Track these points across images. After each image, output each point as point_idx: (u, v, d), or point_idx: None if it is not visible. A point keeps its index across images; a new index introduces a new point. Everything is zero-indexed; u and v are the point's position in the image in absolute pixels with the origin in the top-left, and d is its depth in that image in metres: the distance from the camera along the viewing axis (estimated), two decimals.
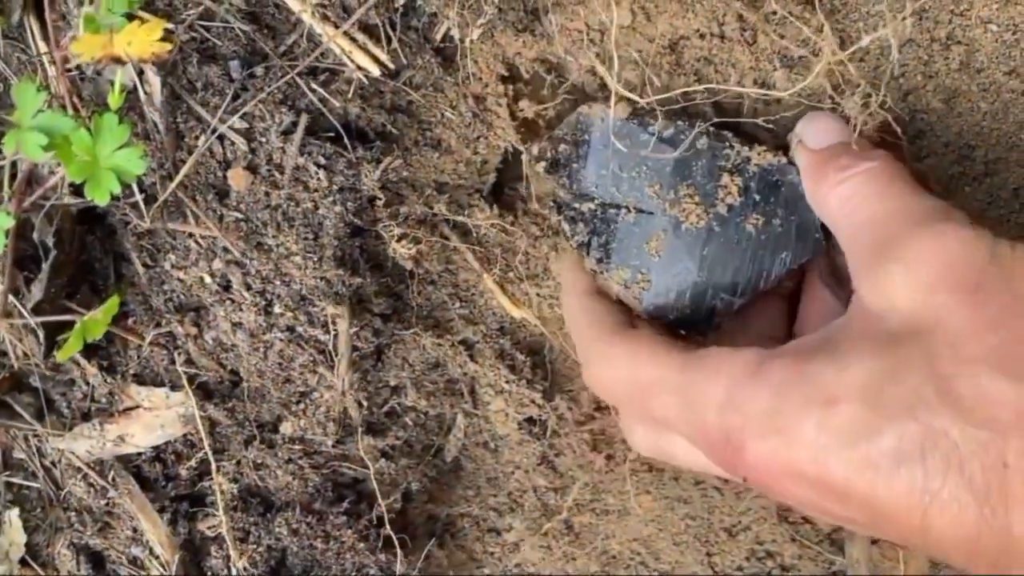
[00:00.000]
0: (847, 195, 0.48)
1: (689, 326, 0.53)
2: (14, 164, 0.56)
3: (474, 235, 0.68)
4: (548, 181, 0.55)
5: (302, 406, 0.64)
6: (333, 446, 0.66)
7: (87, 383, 0.63)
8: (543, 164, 0.55)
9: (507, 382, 0.67)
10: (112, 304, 0.52)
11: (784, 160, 0.52)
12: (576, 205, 0.54)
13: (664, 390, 0.47)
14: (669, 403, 0.47)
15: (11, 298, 0.58)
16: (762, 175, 0.52)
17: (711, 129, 0.52)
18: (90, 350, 0.62)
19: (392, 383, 0.67)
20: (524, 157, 0.57)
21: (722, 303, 0.53)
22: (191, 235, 0.58)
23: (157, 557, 0.64)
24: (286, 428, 0.65)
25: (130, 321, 0.62)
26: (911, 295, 0.42)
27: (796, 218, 0.52)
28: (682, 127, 0.52)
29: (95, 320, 0.51)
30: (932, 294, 0.41)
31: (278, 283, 0.58)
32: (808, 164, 0.51)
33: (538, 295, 0.73)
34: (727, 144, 0.52)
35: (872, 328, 0.42)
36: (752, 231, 0.52)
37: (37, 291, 0.54)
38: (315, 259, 0.57)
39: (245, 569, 0.64)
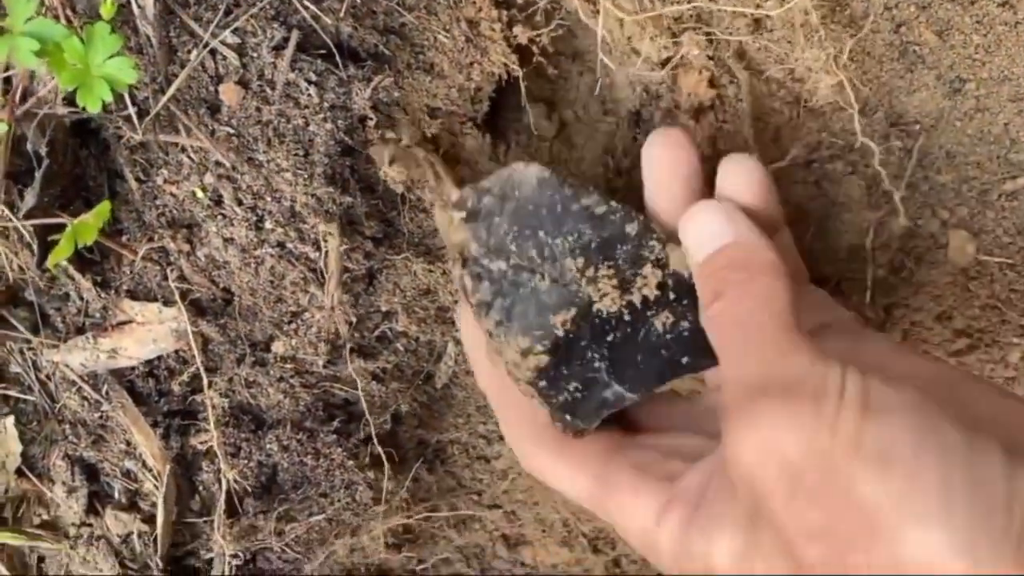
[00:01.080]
0: (718, 323, 0.45)
1: (573, 412, 0.49)
2: (8, 73, 0.56)
3: (466, 163, 0.68)
4: (462, 231, 0.50)
5: (293, 326, 0.65)
6: (324, 367, 0.67)
7: (81, 298, 0.64)
8: (462, 213, 0.50)
9: None
10: (103, 208, 0.53)
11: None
12: (485, 262, 0.49)
13: (589, 503, 0.49)
14: (596, 508, 0.49)
15: (5, 210, 0.59)
16: (678, 276, 0.49)
17: (642, 218, 0.49)
18: (84, 264, 0.63)
19: (383, 308, 0.68)
20: (438, 204, 0.53)
21: (613, 396, 0.49)
22: (183, 149, 0.59)
23: (150, 470, 0.66)
24: (278, 347, 0.66)
25: (123, 238, 0.63)
26: (748, 472, 0.39)
27: (701, 327, 0.48)
28: (615, 208, 0.49)
29: (86, 224, 0.51)
30: (759, 481, 0.38)
31: (269, 199, 0.59)
32: (695, 278, 0.48)
33: None
34: (655, 237, 0.49)
35: (731, 492, 0.42)
36: (660, 329, 0.49)
37: (30, 198, 0.55)
38: (305, 176, 0.58)
39: (236, 483, 0.65)
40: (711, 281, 0.46)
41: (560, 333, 0.48)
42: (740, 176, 0.50)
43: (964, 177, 0.71)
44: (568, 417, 0.49)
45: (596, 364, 0.49)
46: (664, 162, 0.51)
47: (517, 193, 0.49)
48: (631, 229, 0.49)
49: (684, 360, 0.49)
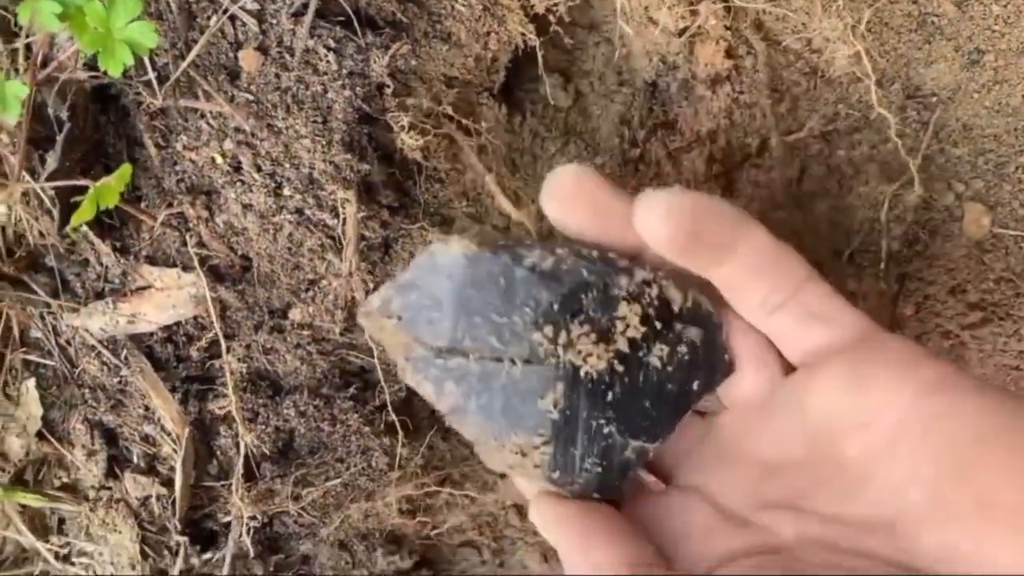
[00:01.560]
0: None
1: (599, 490, 0.43)
2: (29, 40, 0.57)
3: (481, 133, 0.68)
4: (399, 335, 0.43)
5: (311, 293, 0.66)
6: (340, 334, 0.67)
7: (101, 263, 0.64)
8: (392, 321, 0.43)
9: None
10: (124, 171, 0.53)
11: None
12: (440, 362, 0.42)
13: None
14: None
15: (27, 176, 0.60)
16: (661, 299, 0.43)
17: (595, 252, 0.42)
18: (103, 230, 0.64)
19: None
20: (361, 312, 0.44)
21: (634, 453, 0.43)
22: (202, 115, 0.59)
23: (168, 434, 0.66)
24: (295, 314, 0.67)
25: (143, 204, 0.63)
26: None
27: (700, 340, 0.44)
28: (563, 255, 0.42)
29: (108, 186, 0.52)
30: None
31: (287, 165, 0.59)
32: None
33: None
34: (616, 269, 0.42)
35: None
36: (659, 364, 0.43)
37: (52, 161, 0.56)
38: (324, 143, 0.58)
39: (254, 447, 0.66)
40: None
41: (555, 416, 0.41)
42: (651, 227, 0.41)
43: (980, 150, 0.71)
44: (596, 496, 0.43)
45: (605, 430, 0.42)
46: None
47: (448, 283, 0.41)
48: (589, 272, 0.41)
49: (695, 385, 0.44)
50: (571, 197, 0.42)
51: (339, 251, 0.63)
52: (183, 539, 0.66)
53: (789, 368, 0.44)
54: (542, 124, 0.75)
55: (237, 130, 0.58)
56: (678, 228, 0.39)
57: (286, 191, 0.60)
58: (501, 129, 0.72)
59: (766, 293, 0.41)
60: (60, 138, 0.56)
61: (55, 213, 0.61)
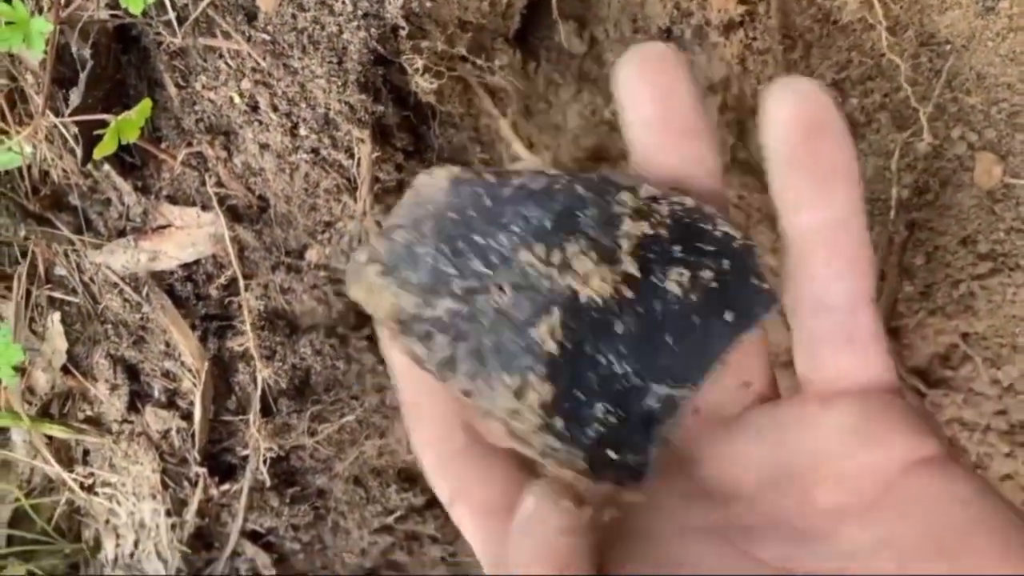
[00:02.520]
0: None
1: (617, 448, 0.34)
2: None
3: (495, 78, 0.69)
4: (385, 292, 0.36)
5: (327, 235, 0.67)
6: None
7: (122, 202, 0.66)
8: (375, 267, 0.36)
9: None
10: (144, 106, 0.55)
11: (693, 202, 0.37)
12: (428, 312, 0.35)
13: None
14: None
15: (50, 115, 0.61)
16: (675, 217, 0.35)
17: (595, 175, 0.36)
18: (125, 169, 0.65)
19: None
20: (349, 269, 0.38)
21: (659, 401, 0.35)
22: (221, 55, 0.60)
23: (188, 370, 0.68)
24: (311, 255, 0.68)
25: (163, 144, 0.65)
26: None
27: (731, 266, 0.36)
28: (555, 174, 0.36)
29: (129, 120, 0.53)
30: None
31: (303, 105, 0.60)
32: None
33: (556, 144, 0.75)
34: (619, 185, 0.36)
35: None
36: (677, 291, 0.35)
37: (75, 97, 0.57)
38: (339, 83, 0.59)
39: (271, 383, 0.68)
40: None
41: (552, 347, 0.34)
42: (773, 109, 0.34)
43: (994, 99, 0.71)
44: (613, 455, 0.34)
45: (618, 369, 0.35)
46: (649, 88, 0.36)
47: (431, 208, 0.36)
48: (586, 188, 0.35)
49: (728, 317, 0.35)
50: (658, 71, 0.35)
51: (354, 192, 0.65)
52: (202, 471, 0.68)
53: (772, 386, 0.38)
54: (556, 71, 0.76)
55: (254, 70, 0.60)
56: (801, 122, 0.32)
57: (302, 131, 0.61)
58: (516, 75, 0.73)
59: (829, 280, 0.34)
60: (83, 76, 0.57)
61: (78, 151, 0.62)
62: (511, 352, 0.34)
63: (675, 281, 0.35)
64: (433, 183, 0.36)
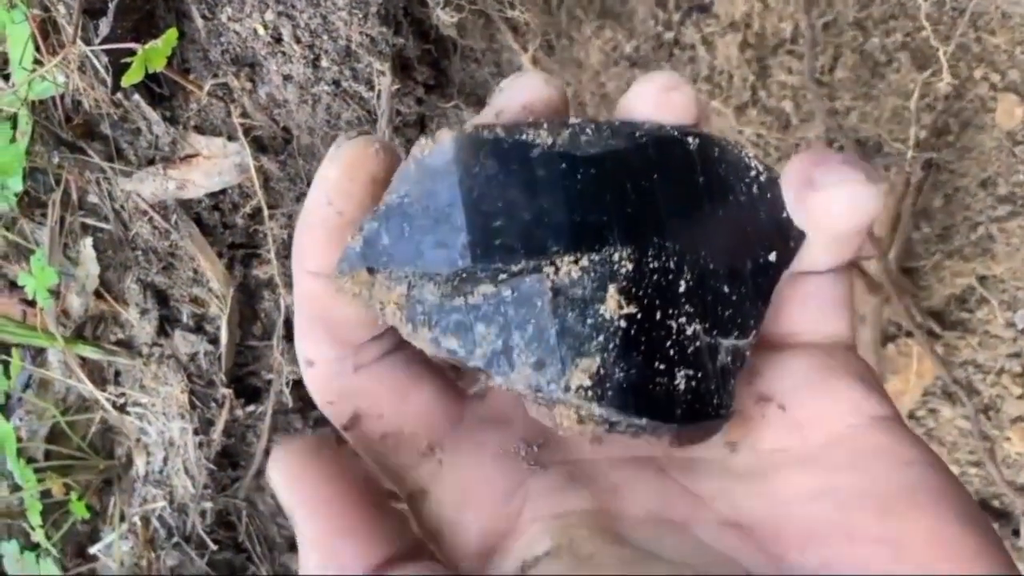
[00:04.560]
0: None
1: (703, 412, 0.31)
2: None
3: (517, 13, 0.70)
4: (393, 283, 0.30)
5: None
6: None
7: (152, 131, 0.68)
8: (379, 269, 0.30)
9: None
10: (171, 35, 0.56)
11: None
12: (459, 301, 0.30)
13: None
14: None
15: (81, 44, 0.63)
16: (704, 154, 0.32)
17: (616, 121, 0.32)
18: (154, 100, 0.67)
19: None
20: (335, 277, 0.30)
21: (731, 356, 0.33)
22: None
23: (215, 296, 0.71)
24: None
25: (191, 76, 0.66)
26: None
27: (760, 199, 0.33)
28: (578, 127, 0.31)
29: (155, 49, 0.55)
30: None
31: (325, 37, 0.61)
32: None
33: (577, 80, 0.76)
34: (643, 127, 0.32)
35: None
36: (723, 236, 0.32)
37: (104, 27, 0.59)
38: (360, 15, 0.60)
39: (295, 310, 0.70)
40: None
41: (624, 323, 0.30)
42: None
43: (1019, 39, 0.70)
44: (698, 418, 0.31)
45: (689, 330, 0.31)
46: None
47: (449, 185, 0.30)
48: (616, 137, 0.31)
49: (772, 257, 0.33)
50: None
51: (375, 125, 0.66)
52: (228, 392, 0.71)
53: None
54: (579, 6, 0.76)
55: (277, 1, 0.61)
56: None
57: (324, 62, 0.62)
58: (537, 10, 0.73)
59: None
60: (112, 6, 0.59)
61: (108, 80, 0.64)
62: (579, 337, 0.30)
63: (718, 224, 0.32)
64: (442, 150, 0.30)
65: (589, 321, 0.30)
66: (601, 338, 0.30)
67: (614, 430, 0.30)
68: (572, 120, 0.31)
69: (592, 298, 0.30)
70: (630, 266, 0.30)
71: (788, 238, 0.33)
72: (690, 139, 0.32)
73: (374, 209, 0.30)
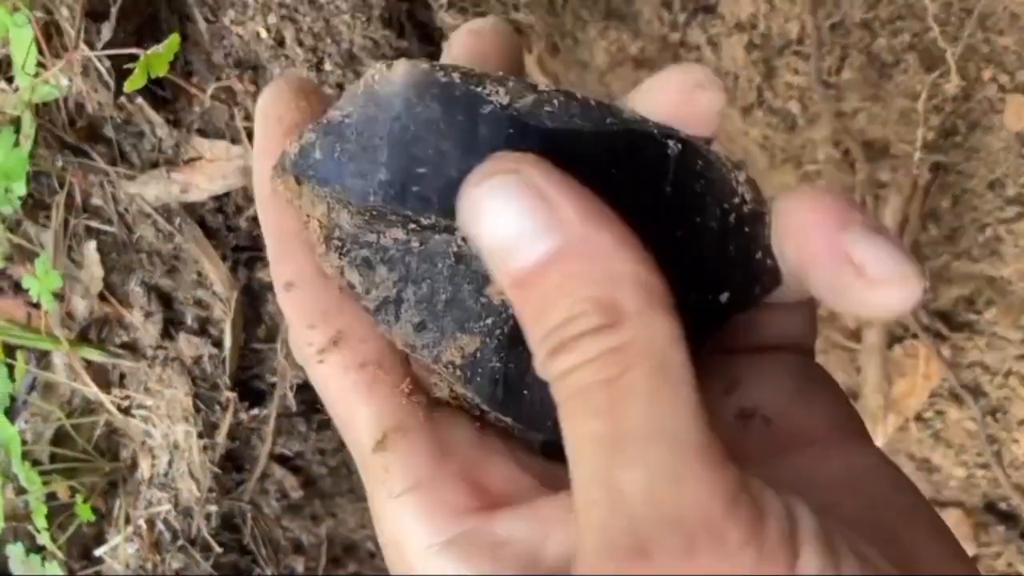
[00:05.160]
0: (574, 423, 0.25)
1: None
2: None
3: (521, 14, 0.69)
4: (316, 200, 0.29)
5: None
6: None
7: (155, 134, 0.68)
8: (312, 165, 0.28)
9: None
10: (173, 41, 0.56)
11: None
12: (370, 237, 0.29)
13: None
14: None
15: (84, 48, 0.63)
16: (685, 156, 0.29)
17: (593, 100, 0.29)
18: (157, 103, 0.67)
19: None
20: (273, 171, 0.29)
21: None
22: None
23: (219, 298, 0.71)
24: None
25: (194, 79, 0.66)
26: None
27: (733, 228, 0.30)
28: (547, 95, 0.28)
29: (158, 55, 0.55)
30: None
31: (328, 41, 0.61)
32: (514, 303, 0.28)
33: (582, 81, 0.75)
34: (624, 117, 0.29)
35: None
36: (679, 236, 0.29)
37: (107, 31, 0.59)
38: (363, 18, 0.60)
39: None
40: (542, 327, 0.24)
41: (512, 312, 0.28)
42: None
43: None
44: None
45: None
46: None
47: (387, 118, 0.28)
48: (582, 118, 0.28)
49: (722, 298, 0.30)
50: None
51: None
52: (233, 395, 0.71)
53: None
54: (584, 7, 0.76)
55: (280, 4, 0.61)
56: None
57: (327, 66, 0.62)
58: (542, 10, 0.73)
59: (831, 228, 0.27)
60: (114, 10, 0.59)
61: (111, 83, 0.64)
62: (469, 310, 0.28)
63: (675, 242, 0.29)
64: (391, 80, 0.28)
65: (483, 300, 0.28)
66: (489, 321, 0.28)
67: (486, 417, 0.29)
68: (544, 87, 0.29)
69: (489, 279, 0.28)
70: None
71: (754, 280, 0.30)
72: (672, 143, 0.29)
73: (317, 120, 0.29)
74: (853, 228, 0.26)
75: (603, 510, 0.22)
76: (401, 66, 0.27)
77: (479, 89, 0.27)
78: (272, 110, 0.30)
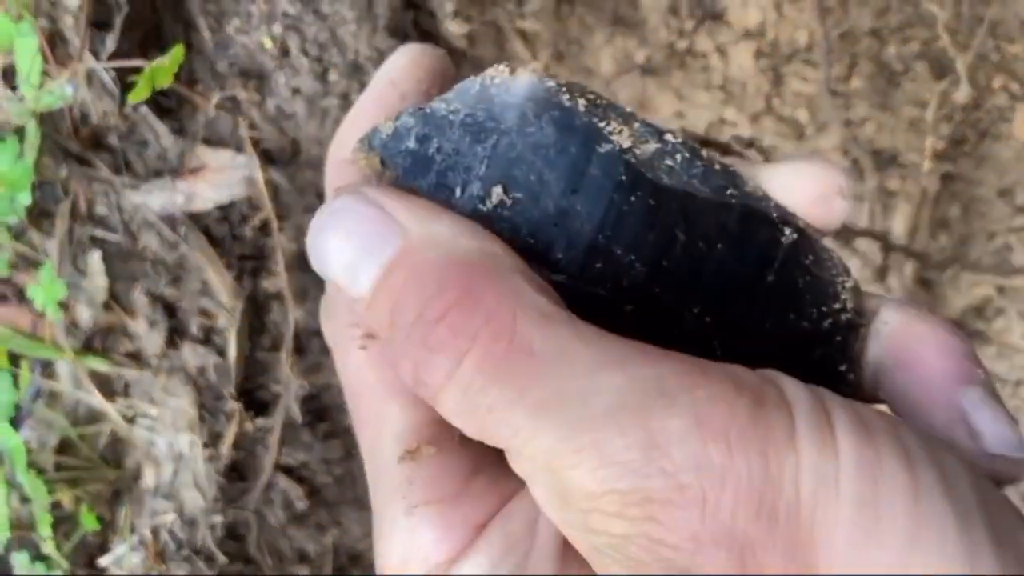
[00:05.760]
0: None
1: None
2: None
3: (527, 22, 0.69)
4: (397, 185, 0.27)
5: None
6: None
7: (160, 143, 0.68)
8: (399, 152, 0.26)
9: None
10: (177, 52, 0.56)
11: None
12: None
13: None
14: None
15: (89, 57, 0.62)
16: (797, 248, 0.27)
17: (719, 166, 0.27)
18: (162, 112, 0.67)
19: None
20: (356, 145, 0.27)
21: None
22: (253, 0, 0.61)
23: (224, 308, 0.70)
24: None
25: (198, 88, 0.66)
26: None
27: (824, 335, 0.28)
28: (679, 145, 0.26)
29: (162, 66, 0.54)
30: None
31: (333, 50, 0.61)
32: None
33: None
34: (758, 197, 0.27)
35: None
36: (767, 328, 0.27)
37: (111, 42, 0.58)
38: (369, 28, 0.60)
39: (303, 322, 0.70)
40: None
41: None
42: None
43: None
44: None
45: None
46: None
47: (495, 131, 0.26)
48: (702, 182, 0.26)
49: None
50: None
51: None
52: (237, 405, 0.71)
53: None
54: (590, 14, 0.75)
55: (285, 14, 0.60)
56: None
57: (332, 76, 0.62)
58: (549, 17, 0.73)
59: None
60: (119, 19, 0.58)
61: (116, 93, 0.64)
62: None
63: (760, 334, 0.27)
64: (511, 89, 0.26)
65: None
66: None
67: None
68: (672, 137, 0.27)
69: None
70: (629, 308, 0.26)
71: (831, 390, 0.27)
72: (788, 231, 0.27)
73: (419, 106, 0.27)
74: (974, 389, 0.25)
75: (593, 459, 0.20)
76: (525, 76, 0.25)
77: (602, 124, 0.25)
78: (396, 75, 0.29)
